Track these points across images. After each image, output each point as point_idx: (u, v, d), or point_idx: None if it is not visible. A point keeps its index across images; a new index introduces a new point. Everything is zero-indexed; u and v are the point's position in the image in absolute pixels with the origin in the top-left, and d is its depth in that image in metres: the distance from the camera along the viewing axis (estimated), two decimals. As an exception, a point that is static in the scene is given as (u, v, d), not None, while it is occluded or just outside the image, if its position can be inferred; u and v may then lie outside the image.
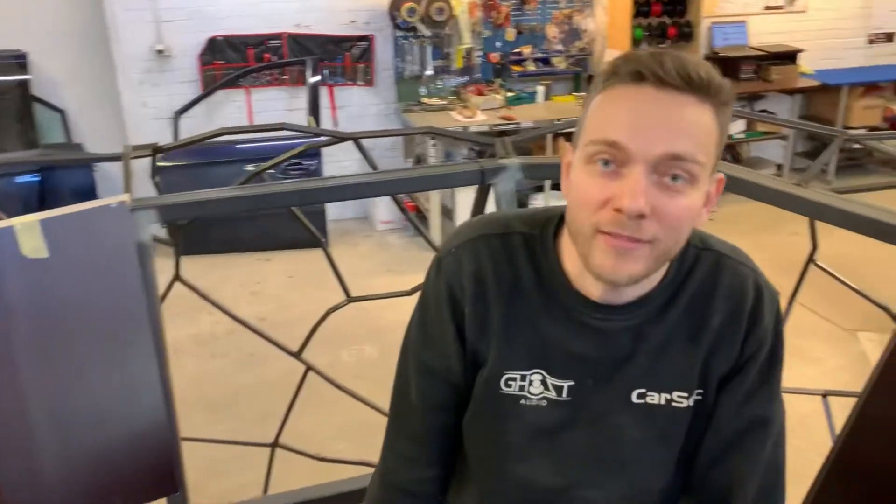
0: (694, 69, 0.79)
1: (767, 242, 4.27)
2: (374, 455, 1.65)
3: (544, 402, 0.95)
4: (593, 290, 0.91)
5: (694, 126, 0.80)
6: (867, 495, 1.18)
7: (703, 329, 0.93)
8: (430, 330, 1.00)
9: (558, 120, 4.61)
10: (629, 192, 0.79)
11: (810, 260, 1.68)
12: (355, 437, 2.76)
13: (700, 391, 0.95)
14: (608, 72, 0.83)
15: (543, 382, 0.95)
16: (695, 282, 0.94)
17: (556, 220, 0.97)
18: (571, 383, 0.94)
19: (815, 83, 5.41)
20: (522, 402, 0.96)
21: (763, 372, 0.95)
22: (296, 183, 1.45)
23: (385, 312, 3.75)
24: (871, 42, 5.88)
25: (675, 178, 0.80)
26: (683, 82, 0.78)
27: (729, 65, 5.26)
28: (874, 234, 1.33)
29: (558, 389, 0.95)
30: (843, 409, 1.73)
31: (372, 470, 1.98)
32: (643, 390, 0.94)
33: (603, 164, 0.81)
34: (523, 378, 0.95)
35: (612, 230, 0.81)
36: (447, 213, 4.76)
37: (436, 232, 4.60)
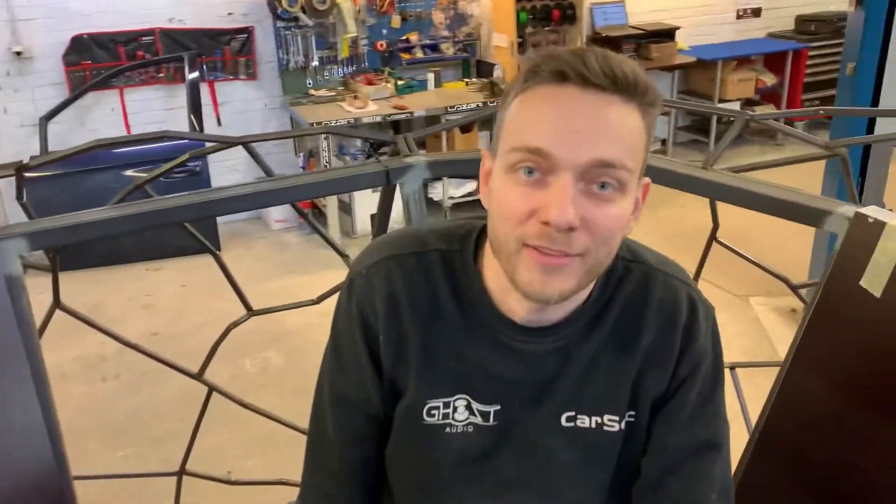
0: (619, 67, 0.74)
1: (663, 217, 4.40)
2: (289, 471, 1.56)
3: (471, 428, 0.90)
4: (518, 309, 0.85)
5: (621, 129, 0.75)
6: (792, 471, 1.19)
7: (633, 348, 0.88)
8: (344, 358, 0.93)
9: (451, 107, 4.59)
10: (556, 203, 0.73)
11: (713, 238, 1.71)
12: (266, 452, 2.65)
13: (632, 413, 0.90)
14: (528, 71, 0.77)
15: (469, 407, 0.89)
16: (623, 297, 0.88)
17: (476, 234, 0.90)
18: (497, 407, 0.89)
19: (691, 59, 5.61)
20: (447, 430, 0.90)
21: (704, 393, 0.91)
22: (187, 196, 1.33)
23: (288, 317, 3.60)
24: (740, 17, 6.16)
25: (603, 185, 0.75)
26: (609, 82, 0.73)
27: (611, 44, 5.37)
28: (774, 212, 1.35)
29: (484, 415, 0.89)
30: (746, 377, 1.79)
31: (289, 489, 1.90)
32: (572, 413, 0.89)
33: (526, 173, 0.75)
34: (447, 405, 0.89)
35: (540, 244, 0.75)
36: (345, 207, 4.65)
37: (334, 229, 4.49)
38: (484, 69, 5.11)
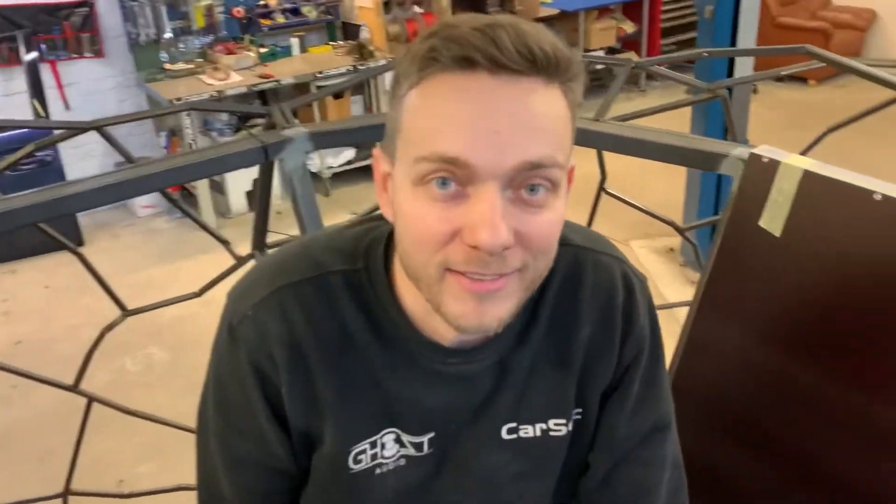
0: (537, 43, 0.60)
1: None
2: (187, 475, 1.44)
3: (403, 462, 0.79)
4: (444, 331, 0.74)
5: (546, 119, 0.62)
6: (706, 415, 1.20)
7: (574, 342, 0.79)
8: (236, 420, 0.78)
9: (320, 72, 4.42)
10: (485, 223, 0.60)
11: (601, 188, 1.70)
12: (160, 455, 2.49)
13: (579, 410, 0.82)
14: (422, 56, 0.62)
15: (398, 441, 0.78)
16: (555, 288, 0.79)
17: (382, 245, 0.76)
18: (432, 435, 0.79)
19: (555, 11, 5.66)
20: (378, 471, 0.79)
21: (649, 374, 0.84)
22: (37, 193, 1.17)
23: (168, 308, 3.39)
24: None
25: (533, 189, 0.63)
26: (527, 63, 0.60)
27: (475, 0, 5.34)
28: (669, 159, 1.35)
29: (417, 445, 0.79)
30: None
31: (189, 494, 1.78)
32: (514, 424, 0.80)
33: (440, 185, 0.62)
34: (374, 445, 0.78)
35: (469, 270, 0.63)
36: (217, 187, 4.41)
37: (207, 211, 4.25)
38: (350, 31, 4.95)
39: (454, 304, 0.65)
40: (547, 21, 5.76)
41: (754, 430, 1.15)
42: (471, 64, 0.60)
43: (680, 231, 1.86)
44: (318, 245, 0.78)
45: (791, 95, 5.89)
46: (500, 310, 0.66)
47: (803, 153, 1.41)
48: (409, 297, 0.74)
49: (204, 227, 1.66)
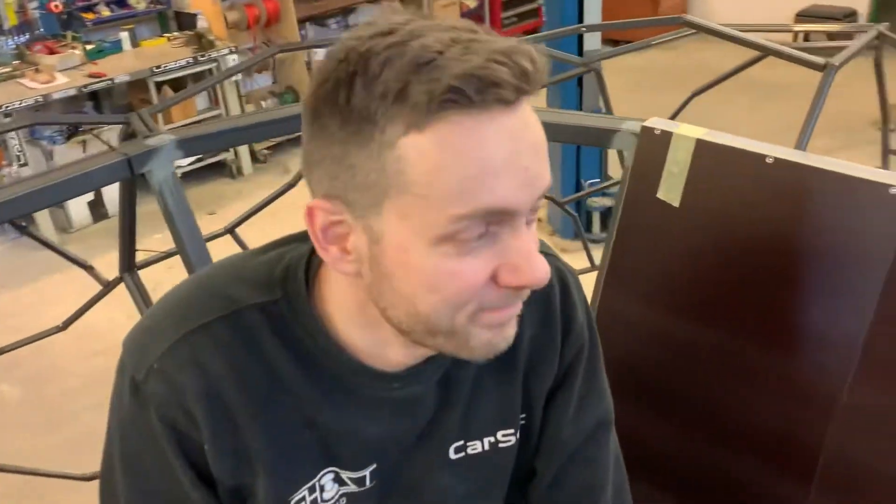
0: (542, 64, 0.55)
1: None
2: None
3: (344, 501, 0.73)
4: (394, 356, 0.69)
5: (544, 139, 0.59)
6: (621, 387, 1.21)
7: (516, 348, 0.75)
8: (152, 485, 0.69)
9: (157, 67, 4.12)
10: (530, 261, 0.58)
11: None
12: (30, 499, 2.25)
13: (524, 415, 0.80)
14: (435, 98, 0.52)
15: (337, 479, 0.72)
16: None
17: (302, 270, 0.68)
18: (373, 467, 0.73)
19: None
20: None
21: (589, 370, 0.82)
22: None
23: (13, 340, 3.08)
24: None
25: (533, 209, 0.60)
26: (526, 85, 0.55)
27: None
28: (562, 139, 1.34)
29: (358, 481, 0.73)
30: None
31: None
32: (461, 443, 0.76)
33: (477, 239, 0.57)
34: (313, 490, 0.71)
35: (503, 304, 0.61)
36: (53, 199, 4.04)
37: (46, 226, 3.88)
38: (185, 21, 4.64)
39: (484, 335, 0.62)
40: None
41: (669, 395, 1.17)
42: (503, 100, 0.54)
43: (559, 205, 1.89)
44: (224, 278, 0.70)
45: (627, 60, 6.12)
46: (514, 324, 0.65)
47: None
48: (342, 323, 0.68)
49: (58, 251, 1.50)
